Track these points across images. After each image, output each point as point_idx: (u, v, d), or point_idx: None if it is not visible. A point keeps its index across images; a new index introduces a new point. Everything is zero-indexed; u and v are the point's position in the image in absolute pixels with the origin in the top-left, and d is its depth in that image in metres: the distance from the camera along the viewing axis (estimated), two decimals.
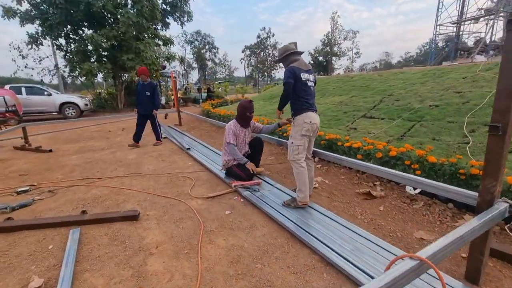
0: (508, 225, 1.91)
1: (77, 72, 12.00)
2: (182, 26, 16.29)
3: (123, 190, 3.42)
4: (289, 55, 2.58)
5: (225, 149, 3.54)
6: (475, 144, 3.24)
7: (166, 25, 15.68)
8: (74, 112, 11.52)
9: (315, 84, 2.64)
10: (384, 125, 4.65)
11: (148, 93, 5.58)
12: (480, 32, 15.88)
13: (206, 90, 18.55)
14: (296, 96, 2.56)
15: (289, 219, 2.45)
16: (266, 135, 4.10)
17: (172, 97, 16.54)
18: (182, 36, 45.26)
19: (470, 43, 16.23)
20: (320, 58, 40.95)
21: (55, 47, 12.80)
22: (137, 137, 5.87)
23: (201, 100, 16.88)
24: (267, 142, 4.88)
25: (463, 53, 15.35)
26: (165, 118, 10.67)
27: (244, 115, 3.46)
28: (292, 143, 2.61)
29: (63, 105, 11.35)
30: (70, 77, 13.17)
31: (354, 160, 2.57)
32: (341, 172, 3.63)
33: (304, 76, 2.56)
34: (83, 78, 12.05)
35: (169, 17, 15.66)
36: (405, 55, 60.73)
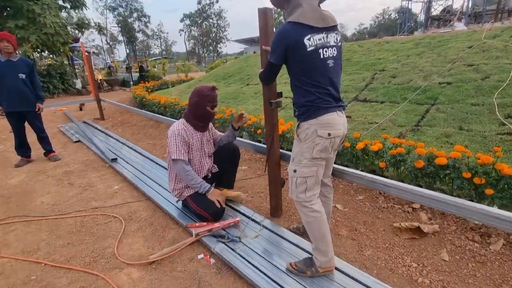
0: None
1: None
2: None
3: None
4: None
5: (171, 169, 2.37)
6: None
7: None
8: None
9: (340, 53, 1.64)
10: (387, 111, 3.99)
11: (22, 76, 3.70)
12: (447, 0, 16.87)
13: (137, 69, 16.45)
14: (301, 82, 1.61)
15: None
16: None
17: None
18: (100, 0, 39.93)
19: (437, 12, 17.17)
20: None
21: None
22: (23, 149, 4.15)
23: (131, 83, 14.85)
24: None
25: (435, 22, 16.10)
26: (80, 109, 8.85)
27: (202, 109, 2.32)
28: (294, 171, 1.68)
29: None
30: None
31: (390, 181, 1.77)
32: (355, 187, 2.79)
33: (314, 40, 1.55)
34: None
35: None
36: (359, 26, 64.15)
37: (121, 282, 1.87)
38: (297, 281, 1.68)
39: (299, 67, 1.59)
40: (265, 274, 1.75)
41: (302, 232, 2.17)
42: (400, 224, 2.10)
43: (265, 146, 2.40)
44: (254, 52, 13.00)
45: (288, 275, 1.74)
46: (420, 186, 2.46)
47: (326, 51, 1.58)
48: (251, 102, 6.06)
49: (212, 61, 36.71)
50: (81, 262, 2.07)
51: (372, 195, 2.63)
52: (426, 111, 3.68)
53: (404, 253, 1.92)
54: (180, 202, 2.59)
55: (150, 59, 24.10)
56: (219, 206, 2.26)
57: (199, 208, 2.29)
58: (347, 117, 4.11)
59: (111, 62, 26.36)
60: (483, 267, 1.74)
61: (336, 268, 1.75)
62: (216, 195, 2.32)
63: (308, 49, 1.55)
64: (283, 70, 1.71)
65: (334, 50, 1.61)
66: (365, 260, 1.89)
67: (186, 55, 52.13)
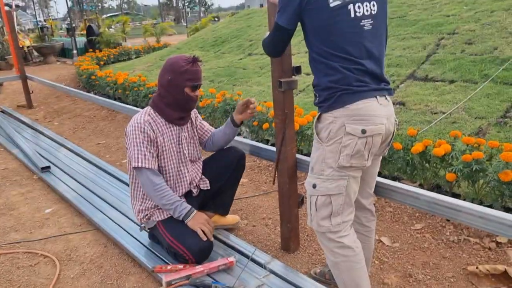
0: None
1: None
2: None
3: None
4: None
5: (134, 182, 2.40)
6: None
7: None
8: None
9: (384, 10, 1.65)
10: (459, 95, 4.02)
11: None
12: None
13: (84, 31, 16.60)
14: (323, 55, 1.64)
15: None
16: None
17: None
18: None
19: None
20: None
21: None
22: None
23: (75, 52, 15.00)
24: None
25: None
26: None
27: (179, 92, 2.32)
28: (313, 187, 1.70)
29: None
30: None
31: (461, 202, 1.74)
32: (410, 212, 2.79)
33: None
34: None
35: None
36: None
37: None
38: None
39: (319, 32, 1.60)
40: None
41: (328, 279, 2.17)
42: (477, 268, 2.10)
43: (273, 148, 2.41)
44: (261, 6, 13.01)
45: None
46: (508, 210, 2.45)
47: (359, 7, 1.57)
48: (255, 81, 6.10)
49: (198, 19, 36.92)
50: None
51: (435, 223, 2.62)
52: None
53: None
54: (146, 232, 2.60)
55: (103, 16, 24.32)
56: (204, 239, 2.26)
57: (174, 240, 2.28)
58: (399, 104, 4.16)
59: (45, 21, 26.67)
60: None
61: None
62: (200, 221, 2.29)
63: (332, 5, 1.55)
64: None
65: (373, 5, 1.60)
66: None
67: (158, 10, 52.47)
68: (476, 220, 1.69)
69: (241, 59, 7.50)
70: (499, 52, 4.42)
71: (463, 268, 2.20)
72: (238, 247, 2.46)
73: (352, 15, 1.57)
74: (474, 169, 2.43)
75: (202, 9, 54.05)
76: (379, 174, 3.10)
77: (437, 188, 2.83)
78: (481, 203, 2.53)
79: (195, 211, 2.34)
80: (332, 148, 1.62)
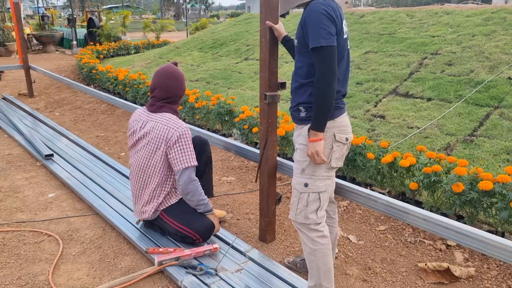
0: None
1: None
2: None
3: None
4: None
5: (157, 182, 2.68)
6: None
7: None
8: None
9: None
10: (435, 112, 4.36)
11: None
12: None
13: (85, 23, 16.78)
14: None
15: None
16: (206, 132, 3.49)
17: (14, 35, 14.42)
18: None
19: None
20: None
21: None
22: None
23: (75, 43, 15.19)
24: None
25: None
26: None
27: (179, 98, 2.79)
28: (305, 186, 2.00)
29: None
30: None
31: (412, 207, 2.07)
32: (376, 214, 3.13)
33: (345, 26, 1.98)
34: None
35: None
36: None
37: None
38: None
39: None
40: None
41: (299, 268, 2.50)
42: (426, 264, 2.43)
43: (258, 151, 2.72)
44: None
45: None
46: (460, 217, 2.80)
47: (348, 42, 1.98)
48: (249, 85, 6.41)
49: (198, 17, 37.07)
50: None
51: (397, 225, 2.96)
52: (486, 116, 4.02)
53: None
54: (139, 224, 2.91)
55: (103, 8, 24.39)
56: (218, 227, 2.72)
57: (181, 225, 2.63)
58: (379, 117, 4.52)
59: (45, 10, 26.68)
60: None
61: None
62: (217, 217, 2.78)
63: (345, 36, 1.92)
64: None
65: (348, 40, 1.97)
66: None
67: (158, 5, 52.58)
68: (420, 222, 2.03)
69: (237, 63, 7.80)
70: (474, 75, 4.77)
71: (415, 265, 2.54)
72: (222, 236, 2.78)
73: (348, 46, 1.95)
74: (432, 180, 2.77)
75: (203, 7, 54.14)
76: (353, 181, 3.46)
77: (403, 196, 3.16)
78: (438, 211, 2.87)
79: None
80: (323, 153, 1.94)
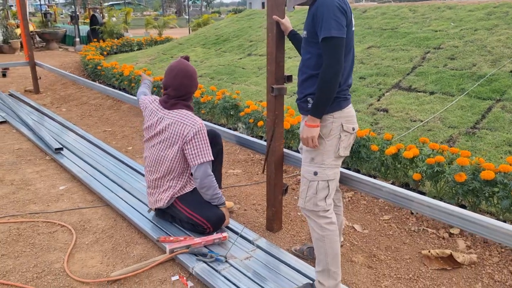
0: None
1: None
2: None
3: None
4: None
5: (174, 173, 2.78)
6: None
7: None
8: None
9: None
10: (437, 106, 4.42)
11: None
12: None
13: (88, 20, 16.86)
14: None
15: None
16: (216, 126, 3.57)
17: (18, 32, 14.52)
18: None
19: None
20: None
21: None
22: None
23: (77, 40, 15.26)
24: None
25: None
26: (3, 76, 9.29)
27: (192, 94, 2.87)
28: (315, 174, 2.07)
29: None
30: None
31: (415, 195, 2.16)
32: (380, 205, 3.20)
33: (353, 19, 2.05)
34: None
35: None
36: None
37: None
38: None
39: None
40: None
41: (306, 255, 2.58)
42: (429, 252, 2.50)
43: (265, 143, 2.80)
44: (263, 4, 13.24)
45: None
46: (463, 207, 2.87)
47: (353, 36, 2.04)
48: (253, 81, 6.48)
49: (199, 13, 37.07)
50: (21, 277, 2.47)
51: (401, 215, 3.03)
52: (489, 109, 4.08)
53: (430, 285, 2.32)
54: (152, 213, 2.99)
55: (105, 4, 24.38)
56: (228, 218, 2.83)
57: (193, 213, 2.72)
58: (383, 110, 4.58)
59: (48, 7, 26.74)
60: None
61: None
62: (228, 208, 2.89)
63: (353, 28, 2.00)
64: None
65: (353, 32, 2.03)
66: None
67: (159, 2, 52.56)
68: (424, 208, 2.11)
69: (240, 58, 7.86)
70: (477, 69, 4.83)
71: (419, 252, 2.61)
72: (230, 226, 2.86)
73: (353, 40, 2.03)
74: (435, 170, 2.84)
75: (204, 3, 54.08)
76: (357, 172, 3.52)
77: (406, 186, 3.23)
78: (441, 200, 2.94)
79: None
80: (332, 142, 2.04)
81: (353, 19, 2.01)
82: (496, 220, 1.86)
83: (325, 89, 1.90)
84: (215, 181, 2.74)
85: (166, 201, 2.77)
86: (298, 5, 2.21)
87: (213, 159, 2.70)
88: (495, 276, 2.36)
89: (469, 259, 2.44)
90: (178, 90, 2.71)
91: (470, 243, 2.65)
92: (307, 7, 2.10)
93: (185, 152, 2.65)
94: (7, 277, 2.47)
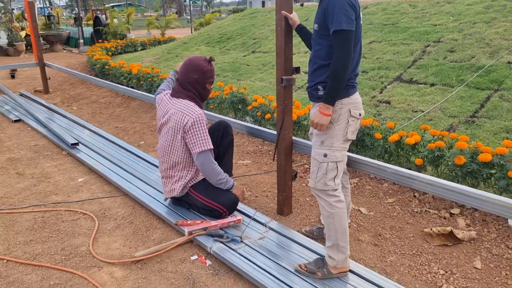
0: None
1: None
2: None
3: None
4: None
5: (183, 163, 2.95)
6: None
7: None
8: None
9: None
10: (438, 97, 4.57)
11: None
12: None
13: (91, 22, 17.04)
14: None
15: None
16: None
17: (22, 35, 14.73)
18: None
19: None
20: None
21: None
22: None
23: (81, 41, 15.45)
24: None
25: None
26: (12, 77, 9.47)
27: (203, 88, 2.98)
28: (325, 156, 2.24)
29: None
30: None
31: (415, 173, 2.33)
32: (385, 189, 3.36)
33: (361, 14, 2.19)
34: None
35: None
36: None
37: (102, 281, 2.44)
38: (308, 282, 2.25)
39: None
40: (271, 274, 2.32)
41: (315, 236, 2.75)
42: (431, 229, 2.67)
43: (275, 132, 2.97)
44: (263, 3, 13.43)
45: (297, 275, 2.31)
46: None
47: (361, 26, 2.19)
48: (258, 77, 6.64)
49: (200, 13, 37.24)
50: (51, 259, 2.65)
51: (404, 198, 3.20)
52: (487, 99, 4.24)
53: (432, 259, 2.49)
54: (169, 200, 3.17)
55: (108, 6, 24.55)
56: (244, 201, 3.04)
57: (209, 200, 2.90)
58: (385, 102, 4.74)
59: (51, 9, 26.95)
60: None
61: (351, 271, 2.32)
62: (240, 189, 3.03)
63: (361, 22, 2.16)
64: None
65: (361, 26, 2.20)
66: (386, 266, 2.47)
67: (159, 2, 52.76)
68: (425, 186, 2.28)
69: (245, 56, 8.03)
70: (475, 60, 4.98)
71: (421, 231, 2.79)
72: (242, 210, 3.04)
73: (361, 32, 2.18)
74: (436, 155, 3.01)
75: (204, 3, 54.28)
76: (363, 150, 3.67)
77: None
78: None
79: (236, 183, 3.03)
80: (340, 126, 2.21)
81: (361, 13, 2.17)
82: (492, 194, 2.03)
83: (337, 78, 2.06)
84: (217, 168, 2.88)
85: (180, 191, 2.94)
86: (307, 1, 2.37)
87: (211, 147, 2.82)
88: (493, 250, 2.53)
89: (468, 236, 2.61)
90: (184, 81, 2.89)
91: (470, 221, 2.82)
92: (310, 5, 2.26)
93: (186, 141, 2.82)
94: (38, 259, 2.65)
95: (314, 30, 2.27)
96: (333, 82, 2.07)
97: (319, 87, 2.24)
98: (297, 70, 2.75)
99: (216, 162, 2.91)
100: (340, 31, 2.00)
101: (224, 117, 3.70)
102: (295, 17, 2.62)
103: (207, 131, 2.84)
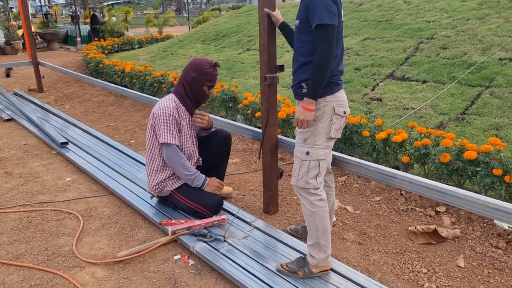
0: None
1: None
2: None
3: None
4: None
5: (153, 157, 2.94)
6: None
7: None
8: None
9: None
10: (429, 94, 4.55)
11: None
12: None
13: (88, 20, 16.99)
14: None
15: None
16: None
17: (19, 33, 14.70)
18: None
19: None
20: None
21: None
22: None
23: (79, 39, 15.42)
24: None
25: None
26: (7, 76, 9.46)
27: (199, 89, 2.93)
28: (307, 154, 2.22)
29: None
30: None
31: (397, 172, 2.32)
32: (372, 187, 3.35)
33: (342, 11, 2.17)
34: None
35: None
36: None
37: (83, 281, 2.43)
38: (289, 282, 2.23)
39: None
40: (253, 274, 2.31)
41: (300, 234, 2.74)
42: (415, 228, 2.66)
43: (260, 130, 2.95)
44: None
45: (279, 275, 2.29)
46: None
47: (342, 24, 2.17)
48: (251, 74, 6.62)
49: (199, 11, 37.22)
50: (33, 260, 2.64)
51: (391, 196, 3.18)
52: (478, 96, 4.22)
53: (415, 258, 2.48)
54: (155, 199, 3.15)
55: (105, 4, 24.52)
56: (219, 194, 2.95)
57: (193, 203, 2.88)
58: (377, 99, 4.72)
59: (48, 7, 26.90)
60: (500, 273, 2.29)
61: (333, 270, 2.31)
62: (214, 185, 2.95)
63: (342, 19, 2.13)
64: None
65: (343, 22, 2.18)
66: (369, 265, 2.45)
67: (159, 1, 52.72)
68: (406, 184, 2.27)
69: (239, 53, 8.00)
70: (467, 57, 4.95)
71: (406, 229, 2.77)
72: (227, 208, 3.03)
73: (343, 29, 2.16)
74: (422, 152, 2.99)
75: (204, 0, 54.21)
76: (351, 148, 3.66)
77: (396, 169, 3.38)
78: None
79: (208, 178, 2.98)
80: (324, 124, 2.19)
81: (341, 10, 2.13)
82: (469, 192, 2.01)
83: (319, 73, 2.04)
84: (185, 162, 2.86)
85: (155, 185, 2.95)
86: None
87: (174, 143, 2.80)
88: (477, 248, 2.52)
89: (452, 234, 2.60)
90: (183, 78, 2.91)
91: (455, 219, 2.80)
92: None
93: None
94: (20, 259, 2.64)
95: (296, 26, 2.25)
96: (315, 76, 2.05)
97: (303, 84, 2.22)
98: (281, 68, 2.73)
99: (184, 157, 2.88)
100: (323, 25, 1.98)
101: (215, 116, 3.68)
102: (278, 14, 2.60)
103: (173, 126, 2.82)
